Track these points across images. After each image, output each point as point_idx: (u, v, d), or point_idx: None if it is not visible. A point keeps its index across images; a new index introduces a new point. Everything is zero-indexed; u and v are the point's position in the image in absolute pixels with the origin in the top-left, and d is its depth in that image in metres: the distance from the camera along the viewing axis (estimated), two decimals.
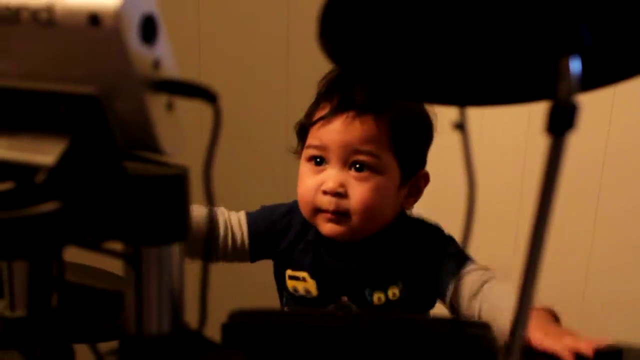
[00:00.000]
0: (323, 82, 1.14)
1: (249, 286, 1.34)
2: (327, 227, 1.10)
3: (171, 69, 0.47)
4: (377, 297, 1.12)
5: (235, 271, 1.31)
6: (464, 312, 1.06)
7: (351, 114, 1.07)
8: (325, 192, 1.08)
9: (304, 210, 1.13)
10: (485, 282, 1.06)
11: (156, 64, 0.46)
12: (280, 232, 1.19)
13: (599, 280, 1.71)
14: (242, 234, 1.17)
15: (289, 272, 1.18)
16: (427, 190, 1.17)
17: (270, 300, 1.26)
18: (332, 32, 0.47)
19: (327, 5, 0.44)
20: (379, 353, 0.53)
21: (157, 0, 0.45)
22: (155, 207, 0.50)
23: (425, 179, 1.16)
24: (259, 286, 1.28)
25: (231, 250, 1.17)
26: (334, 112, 1.08)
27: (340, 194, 1.07)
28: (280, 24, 1.80)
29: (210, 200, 0.48)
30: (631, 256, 1.63)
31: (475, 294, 1.05)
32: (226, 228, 1.17)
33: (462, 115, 0.46)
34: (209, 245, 0.52)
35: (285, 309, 1.19)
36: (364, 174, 1.08)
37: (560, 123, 0.44)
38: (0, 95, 0.48)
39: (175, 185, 0.50)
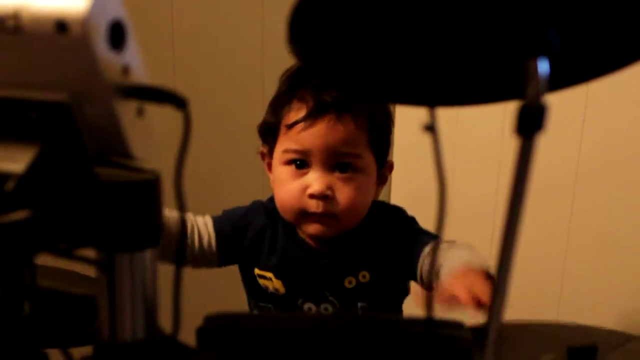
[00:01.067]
0: (286, 79, 1.14)
1: (221, 291, 1.34)
2: (313, 228, 1.11)
3: (141, 75, 0.47)
4: (348, 280, 1.14)
5: (207, 276, 1.32)
6: (427, 278, 1.09)
7: (332, 116, 1.07)
8: (312, 196, 1.08)
9: (288, 214, 1.13)
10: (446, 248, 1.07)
11: (125, 70, 0.46)
12: (241, 232, 1.19)
13: (575, 277, 1.73)
14: (210, 237, 1.17)
15: (257, 271, 1.18)
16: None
17: (243, 303, 1.27)
18: (301, 36, 0.47)
19: (296, 10, 0.44)
20: (353, 355, 0.53)
21: (124, 5, 0.45)
22: (128, 213, 0.49)
23: (390, 167, 1.19)
24: (232, 290, 1.29)
25: (199, 254, 1.17)
26: (314, 116, 1.08)
27: (327, 196, 1.08)
28: (255, 23, 1.80)
29: (181, 206, 0.48)
30: (607, 252, 1.65)
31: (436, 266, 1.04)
32: (192, 232, 1.17)
33: (432, 117, 0.46)
34: (182, 251, 0.52)
35: (255, 312, 1.21)
36: (348, 174, 1.09)
37: (529, 124, 0.44)
38: None
39: (147, 190, 0.50)
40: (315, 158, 1.08)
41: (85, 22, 0.42)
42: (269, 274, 1.17)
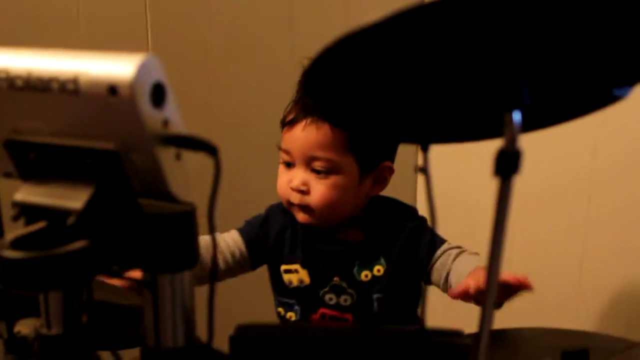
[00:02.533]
0: (298, 85, 1.23)
1: (252, 305, 1.46)
2: (300, 216, 1.25)
3: (179, 126, 0.55)
4: (364, 274, 1.26)
5: (238, 291, 1.44)
6: (441, 288, 1.23)
7: (309, 120, 1.19)
8: (292, 189, 1.22)
9: (283, 202, 1.28)
10: (456, 257, 1.22)
11: (165, 123, 0.54)
12: (265, 236, 1.33)
13: (593, 282, 1.76)
14: (240, 247, 1.31)
15: (283, 267, 1.30)
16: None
17: (272, 315, 1.40)
18: (315, 88, 0.56)
19: (309, 69, 0.52)
20: None
21: (164, 71, 0.53)
22: (168, 240, 0.58)
23: (390, 170, 1.28)
24: (261, 304, 1.42)
25: (234, 265, 1.32)
26: (296, 119, 1.21)
27: (303, 191, 1.21)
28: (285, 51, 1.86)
29: (213, 239, 0.56)
30: (624, 256, 1.69)
31: (448, 270, 1.22)
32: (224, 249, 1.31)
33: (425, 160, 0.54)
34: (215, 270, 0.60)
35: (279, 308, 1.34)
36: (323, 175, 1.21)
37: (506, 167, 0.51)
38: (35, 149, 0.56)
39: (184, 220, 0.58)
40: (296, 158, 1.22)
41: (132, 86, 0.50)
42: (295, 266, 1.29)
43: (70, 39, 1.61)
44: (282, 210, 1.33)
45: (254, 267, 1.35)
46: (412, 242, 1.27)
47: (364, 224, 1.29)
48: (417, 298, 1.33)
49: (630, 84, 0.57)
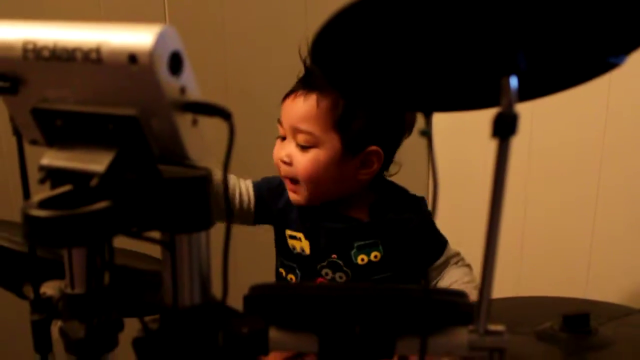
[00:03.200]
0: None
1: (264, 266, 1.49)
2: (290, 195, 1.30)
3: (195, 93, 0.58)
4: (361, 257, 1.29)
5: (251, 254, 1.47)
6: None
7: (299, 92, 1.23)
8: (280, 161, 1.26)
9: (279, 174, 1.31)
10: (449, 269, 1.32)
11: (182, 90, 0.57)
12: (276, 196, 1.36)
13: (603, 254, 1.79)
14: (249, 197, 1.35)
15: (288, 232, 1.34)
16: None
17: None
18: (322, 57, 0.59)
19: (317, 37, 0.55)
20: (369, 318, 0.64)
21: (181, 40, 0.56)
22: (185, 202, 0.61)
23: (377, 155, 1.27)
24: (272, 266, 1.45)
25: (238, 212, 1.35)
26: (291, 91, 1.25)
27: (286, 162, 1.26)
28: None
29: (226, 199, 0.59)
30: (634, 232, 1.71)
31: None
32: (234, 192, 1.34)
33: (428, 124, 0.57)
34: (228, 234, 0.63)
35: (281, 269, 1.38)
36: (305, 148, 1.24)
37: (504, 129, 0.55)
38: (61, 116, 0.60)
39: (200, 184, 0.62)
40: (285, 129, 1.26)
41: (151, 55, 0.53)
42: (299, 234, 1.32)
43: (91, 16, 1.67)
44: None
45: (255, 222, 1.38)
46: (414, 239, 1.31)
47: (371, 205, 1.32)
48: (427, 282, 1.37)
49: (626, 52, 0.60)
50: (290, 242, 1.34)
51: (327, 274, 1.31)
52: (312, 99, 1.22)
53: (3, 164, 1.75)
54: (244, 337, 0.65)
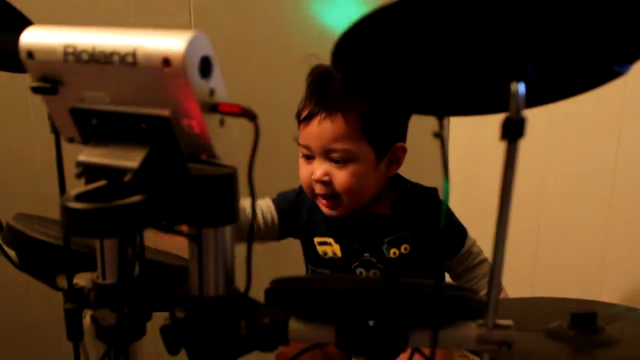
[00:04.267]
0: (307, 80, 1.34)
1: (285, 262, 1.53)
2: (325, 210, 1.34)
3: (223, 95, 0.62)
4: (393, 251, 1.34)
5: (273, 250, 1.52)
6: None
7: (323, 115, 1.27)
8: (316, 181, 1.30)
9: (307, 193, 1.36)
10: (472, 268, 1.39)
11: (212, 92, 0.61)
12: (297, 209, 1.42)
13: (617, 259, 1.80)
14: (272, 214, 1.40)
15: (316, 239, 1.39)
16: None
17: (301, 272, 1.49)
18: (343, 62, 0.63)
19: (338, 43, 0.59)
20: (383, 311, 0.68)
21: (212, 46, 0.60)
22: (212, 198, 0.65)
23: (403, 149, 1.35)
24: (294, 262, 1.50)
25: (264, 231, 1.40)
26: (310, 115, 1.29)
27: (325, 182, 1.29)
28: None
29: (252, 192, 0.63)
30: None
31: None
32: (256, 214, 1.38)
33: (440, 126, 0.61)
34: (252, 229, 0.67)
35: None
36: (342, 164, 1.28)
37: (512, 133, 0.58)
38: (97, 116, 0.64)
39: (227, 181, 0.66)
40: (315, 151, 1.30)
41: (184, 59, 0.57)
42: (329, 239, 1.37)
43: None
44: None
45: (281, 237, 1.44)
46: (437, 228, 1.35)
47: (393, 200, 1.38)
48: (442, 274, 1.42)
49: (630, 61, 0.63)
50: (321, 248, 1.39)
51: (361, 273, 1.36)
52: (339, 118, 1.26)
53: (34, 163, 1.81)
54: (265, 327, 0.68)
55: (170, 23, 1.82)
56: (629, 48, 0.62)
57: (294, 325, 0.70)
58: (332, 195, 1.31)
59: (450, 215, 1.40)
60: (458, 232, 1.41)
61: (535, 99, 0.59)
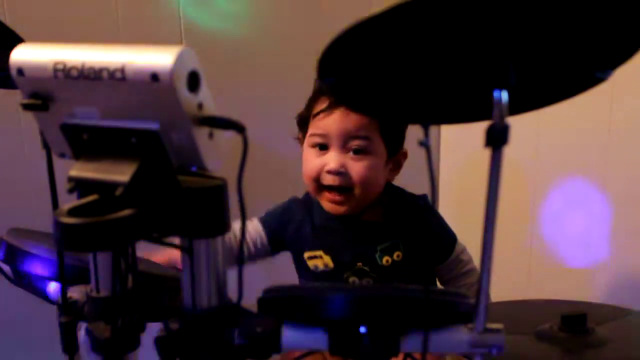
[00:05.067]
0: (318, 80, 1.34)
1: (278, 270, 1.55)
2: (329, 206, 1.34)
3: (211, 108, 0.63)
4: (385, 259, 1.35)
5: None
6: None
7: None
8: (329, 172, 1.30)
9: (310, 186, 1.36)
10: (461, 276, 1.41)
11: (200, 106, 0.62)
12: (285, 226, 1.43)
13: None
14: (261, 236, 1.42)
15: (306, 254, 1.40)
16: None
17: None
18: (329, 72, 0.64)
19: (324, 55, 0.60)
20: (375, 317, 0.69)
21: (199, 61, 0.61)
22: (203, 210, 0.66)
23: (404, 155, 1.39)
24: (286, 270, 1.51)
25: (255, 252, 1.42)
26: (333, 106, 1.30)
27: (341, 172, 1.30)
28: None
29: (241, 205, 0.64)
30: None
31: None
32: (246, 237, 1.41)
33: (426, 134, 0.62)
34: (243, 237, 0.68)
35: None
36: (360, 155, 1.30)
37: (496, 139, 0.59)
38: (87, 131, 0.65)
39: (216, 193, 0.67)
40: (333, 140, 1.31)
41: (172, 74, 0.58)
42: (319, 252, 1.38)
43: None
44: (302, 202, 1.44)
45: (274, 253, 1.46)
46: (429, 234, 1.39)
47: (385, 206, 1.39)
48: (433, 280, 1.43)
49: (612, 67, 0.65)
50: (311, 262, 1.40)
51: (354, 282, 1.37)
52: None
53: (27, 176, 1.82)
54: (259, 336, 0.69)
55: (161, 33, 1.83)
56: (611, 54, 0.63)
57: (287, 333, 0.71)
58: (345, 188, 1.32)
59: (440, 220, 1.41)
60: (448, 237, 1.42)
61: (519, 106, 0.60)
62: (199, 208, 0.66)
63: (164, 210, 0.65)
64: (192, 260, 0.68)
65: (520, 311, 0.99)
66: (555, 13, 0.57)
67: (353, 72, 0.64)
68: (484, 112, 0.61)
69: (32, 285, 0.88)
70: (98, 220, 0.59)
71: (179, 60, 0.59)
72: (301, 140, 1.41)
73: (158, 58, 0.59)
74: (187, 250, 0.68)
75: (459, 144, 2.08)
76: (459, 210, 1.62)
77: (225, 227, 0.68)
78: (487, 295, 0.67)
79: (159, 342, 0.69)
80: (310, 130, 1.35)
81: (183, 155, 0.64)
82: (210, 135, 0.64)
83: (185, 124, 0.61)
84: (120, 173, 0.62)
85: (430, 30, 0.58)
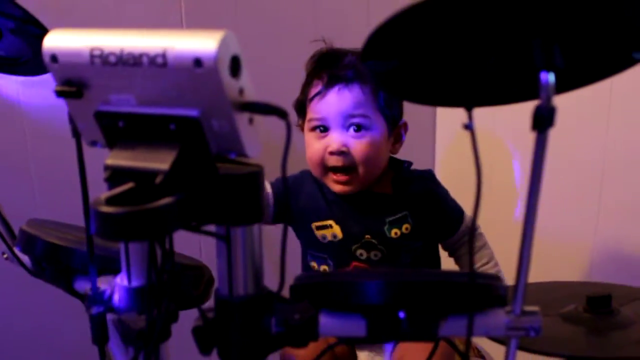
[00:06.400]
0: (310, 62, 1.38)
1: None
2: (337, 187, 1.35)
3: (252, 94, 0.62)
4: (394, 232, 1.36)
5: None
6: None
7: (341, 86, 1.30)
8: (332, 153, 1.31)
9: (315, 170, 1.37)
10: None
11: (241, 92, 0.61)
12: (295, 195, 1.42)
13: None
14: (268, 197, 1.40)
15: (314, 224, 1.39)
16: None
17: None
18: (371, 56, 0.63)
19: (368, 41, 0.60)
20: (406, 301, 0.68)
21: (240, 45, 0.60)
22: (240, 197, 0.65)
23: (405, 127, 1.41)
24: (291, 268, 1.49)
25: None
26: (327, 87, 1.31)
27: (344, 152, 1.31)
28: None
29: (286, 189, 0.63)
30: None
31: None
32: None
33: (470, 118, 0.62)
34: (285, 234, 0.68)
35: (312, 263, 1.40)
36: (361, 133, 1.31)
37: (542, 122, 0.59)
38: (123, 118, 0.64)
39: (253, 180, 0.66)
40: (332, 122, 1.32)
41: (216, 58, 0.57)
42: (329, 222, 1.38)
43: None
44: (312, 176, 1.42)
45: (274, 221, 1.42)
46: (437, 207, 1.39)
47: (393, 179, 1.40)
48: (438, 256, 1.45)
49: None
50: (319, 232, 1.39)
51: (361, 254, 1.36)
52: (356, 87, 1.30)
53: (51, 168, 1.79)
54: (296, 324, 0.69)
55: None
56: None
57: (324, 320, 0.70)
58: (349, 167, 1.32)
59: (447, 195, 1.43)
60: (457, 210, 1.43)
61: (560, 87, 0.60)
62: (236, 195, 0.65)
63: (202, 198, 0.64)
64: (229, 248, 0.67)
65: (544, 293, 1.00)
66: None
67: (396, 57, 0.63)
68: (526, 93, 0.61)
69: (54, 276, 0.86)
70: (140, 209, 0.58)
71: (223, 44, 0.58)
72: (301, 126, 1.41)
73: (201, 43, 0.58)
74: (224, 238, 0.67)
75: (454, 125, 2.08)
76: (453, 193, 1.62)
77: (261, 214, 0.67)
78: (526, 279, 0.67)
79: (196, 332, 0.68)
80: (309, 115, 1.36)
81: (222, 142, 0.63)
82: (251, 121, 0.63)
83: (227, 110, 0.60)
84: (160, 161, 0.61)
85: (476, 14, 0.57)
